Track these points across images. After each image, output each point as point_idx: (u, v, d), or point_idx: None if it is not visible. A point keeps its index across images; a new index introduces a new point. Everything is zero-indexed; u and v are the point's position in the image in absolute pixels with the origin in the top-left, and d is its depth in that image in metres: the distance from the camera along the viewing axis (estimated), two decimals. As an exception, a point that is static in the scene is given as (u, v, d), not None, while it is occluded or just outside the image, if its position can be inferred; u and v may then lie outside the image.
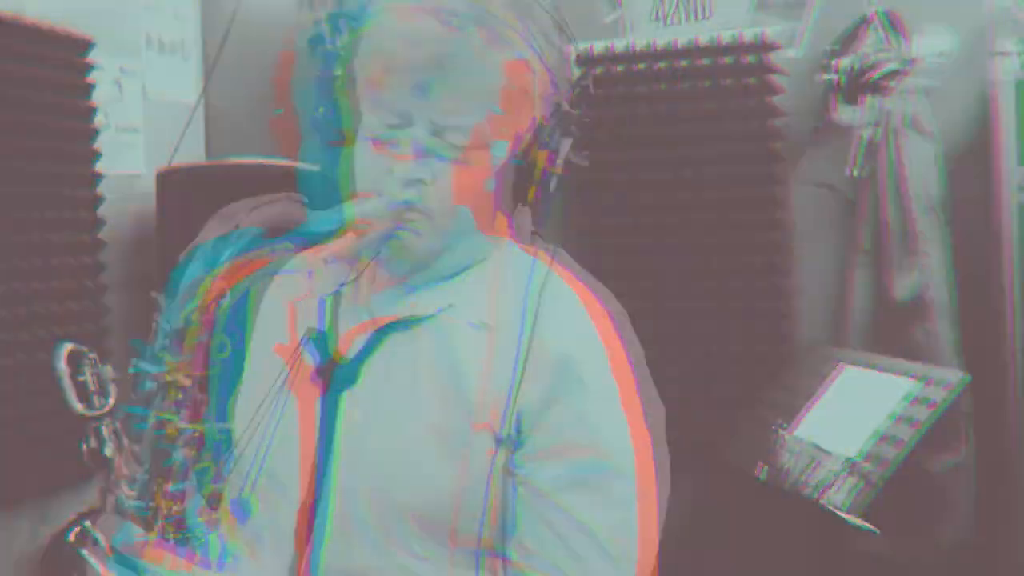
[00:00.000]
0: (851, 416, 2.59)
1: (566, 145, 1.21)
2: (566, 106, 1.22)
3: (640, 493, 1.18)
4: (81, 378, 1.16)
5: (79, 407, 1.15)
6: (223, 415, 1.33)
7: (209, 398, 1.20)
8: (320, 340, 1.30)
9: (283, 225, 1.22)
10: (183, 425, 1.15)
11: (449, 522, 1.19)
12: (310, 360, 1.30)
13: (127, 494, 1.15)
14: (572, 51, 1.23)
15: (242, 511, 1.28)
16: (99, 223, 2.89)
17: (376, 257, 1.28)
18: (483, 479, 1.18)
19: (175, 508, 1.15)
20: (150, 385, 1.14)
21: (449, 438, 1.19)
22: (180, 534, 1.16)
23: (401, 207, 1.18)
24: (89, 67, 2.86)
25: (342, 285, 1.32)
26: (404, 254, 1.24)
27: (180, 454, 1.15)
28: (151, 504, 1.14)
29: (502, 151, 1.20)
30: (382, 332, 1.26)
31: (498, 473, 1.18)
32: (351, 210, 1.18)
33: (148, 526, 1.14)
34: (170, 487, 1.15)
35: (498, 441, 1.18)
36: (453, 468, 1.18)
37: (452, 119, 1.16)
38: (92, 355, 1.14)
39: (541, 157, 1.21)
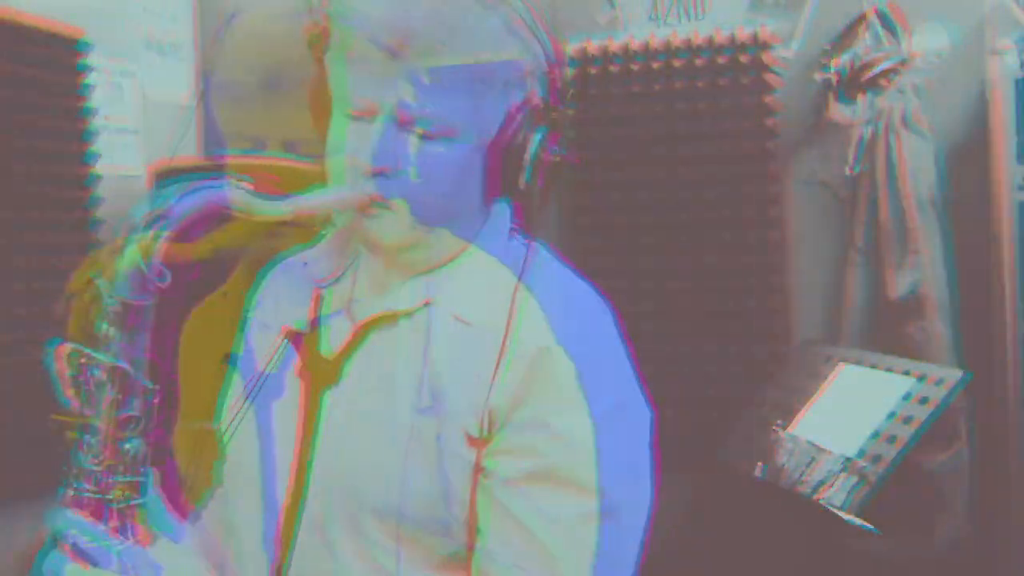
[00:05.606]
0: (849, 415, 2.59)
1: (536, 139, 1.21)
2: (540, 99, 1.21)
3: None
4: (78, 378, 1.15)
5: (76, 407, 1.15)
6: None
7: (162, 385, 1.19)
8: (303, 336, 1.30)
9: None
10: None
11: (422, 524, 1.18)
12: (294, 355, 1.30)
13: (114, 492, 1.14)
14: (551, 45, 1.22)
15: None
16: (96, 223, 2.89)
17: (358, 250, 1.28)
18: (455, 479, 1.18)
19: (132, 499, 1.15)
20: (98, 373, 1.13)
21: (422, 439, 1.19)
22: (135, 523, 1.15)
23: (363, 197, 1.18)
24: (87, 68, 2.86)
25: (329, 279, 1.32)
26: (381, 246, 1.24)
27: (134, 444, 1.14)
28: (107, 496, 1.14)
29: (476, 142, 1.19)
30: (365, 327, 1.26)
31: (470, 472, 1.18)
32: (303, 199, 1.17)
33: (100, 517, 1.14)
34: (125, 477, 1.14)
35: (471, 439, 1.18)
36: (425, 468, 1.18)
37: (425, 107, 1.16)
38: (88, 354, 1.14)
39: (515, 150, 1.20)
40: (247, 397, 1.30)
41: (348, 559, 1.21)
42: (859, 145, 2.89)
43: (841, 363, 2.77)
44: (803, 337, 3.07)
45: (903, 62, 2.85)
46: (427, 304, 1.23)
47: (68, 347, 1.12)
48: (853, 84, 2.88)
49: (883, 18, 2.90)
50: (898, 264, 2.87)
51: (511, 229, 1.29)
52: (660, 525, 1.25)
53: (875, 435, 2.46)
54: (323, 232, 1.36)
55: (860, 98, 2.89)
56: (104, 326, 1.13)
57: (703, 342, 3.11)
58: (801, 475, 2.53)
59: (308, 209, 1.18)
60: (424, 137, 1.17)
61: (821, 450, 2.52)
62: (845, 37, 2.95)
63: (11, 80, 2.62)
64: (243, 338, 1.39)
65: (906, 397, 2.50)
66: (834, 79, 2.93)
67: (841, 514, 2.39)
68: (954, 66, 2.88)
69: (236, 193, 1.13)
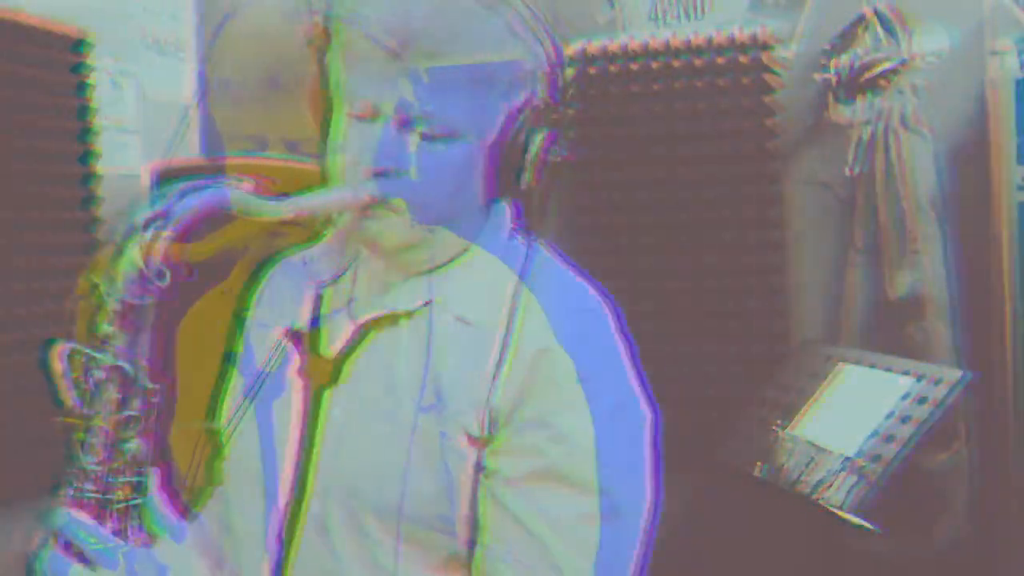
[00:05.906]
0: (849, 414, 2.60)
1: (536, 139, 1.21)
2: (540, 100, 1.21)
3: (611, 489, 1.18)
4: (78, 378, 1.15)
5: (75, 406, 1.15)
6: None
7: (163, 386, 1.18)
8: (303, 335, 1.30)
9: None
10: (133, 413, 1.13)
11: (423, 523, 1.18)
12: (294, 355, 1.30)
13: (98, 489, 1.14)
14: (552, 45, 1.22)
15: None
16: (96, 223, 2.89)
17: (359, 250, 1.28)
18: (458, 478, 1.18)
19: (133, 500, 1.14)
20: (98, 373, 1.13)
21: (424, 438, 1.19)
22: (136, 524, 1.15)
23: (363, 197, 1.18)
24: (87, 67, 2.87)
25: (329, 278, 1.32)
26: (381, 246, 1.24)
27: (134, 444, 1.14)
28: (108, 496, 1.14)
29: (477, 142, 1.19)
30: (365, 327, 1.26)
31: (472, 472, 1.18)
32: (303, 199, 1.16)
33: (101, 517, 1.14)
34: (126, 477, 1.14)
35: (472, 440, 1.18)
36: (427, 467, 1.18)
37: (425, 107, 1.15)
38: (88, 354, 1.13)
39: (516, 150, 1.20)
40: (247, 397, 1.30)
41: (349, 559, 1.21)
42: (859, 145, 2.89)
43: (841, 363, 2.77)
44: (803, 337, 3.07)
45: (903, 63, 2.85)
46: (428, 304, 1.23)
47: (68, 347, 1.12)
48: (853, 84, 2.89)
49: (883, 19, 2.90)
50: (898, 264, 2.87)
51: (511, 229, 1.29)
52: (660, 525, 1.25)
53: (875, 435, 2.46)
54: (323, 232, 1.36)
55: (860, 98, 2.89)
56: (105, 326, 1.13)
57: (703, 342, 3.11)
58: (801, 475, 2.53)
59: (308, 209, 1.17)
60: (425, 137, 1.17)
61: (821, 450, 2.52)
62: (845, 37, 2.95)
63: (11, 80, 2.62)
64: (242, 338, 1.39)
65: (906, 397, 2.50)
66: (834, 79, 2.94)
67: (841, 514, 2.38)
68: (954, 66, 2.88)
69: (236, 193, 1.13)
